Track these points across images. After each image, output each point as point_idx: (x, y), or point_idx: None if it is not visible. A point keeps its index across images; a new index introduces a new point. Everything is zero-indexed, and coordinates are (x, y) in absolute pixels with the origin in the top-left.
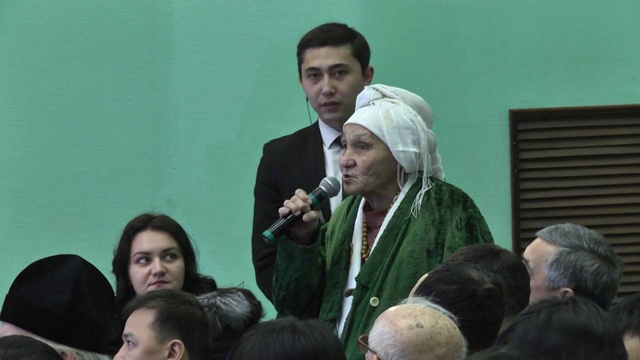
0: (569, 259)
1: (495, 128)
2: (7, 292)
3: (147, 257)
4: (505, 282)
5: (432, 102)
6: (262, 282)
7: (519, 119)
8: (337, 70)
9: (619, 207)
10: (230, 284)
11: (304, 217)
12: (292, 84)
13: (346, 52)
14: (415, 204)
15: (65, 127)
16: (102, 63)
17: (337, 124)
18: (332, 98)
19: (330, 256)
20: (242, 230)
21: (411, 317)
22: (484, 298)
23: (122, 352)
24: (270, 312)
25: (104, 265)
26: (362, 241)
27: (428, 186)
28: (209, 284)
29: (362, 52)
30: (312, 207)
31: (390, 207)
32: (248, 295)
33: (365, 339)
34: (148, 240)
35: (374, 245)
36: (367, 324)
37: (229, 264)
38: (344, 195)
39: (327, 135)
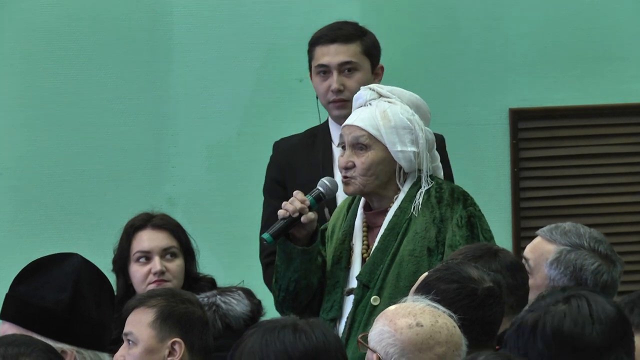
0: (569, 257)
1: (496, 127)
2: (7, 290)
3: (147, 256)
4: (505, 281)
5: (433, 100)
6: (268, 279)
7: (519, 117)
8: (346, 68)
9: (620, 205)
10: (231, 282)
11: (302, 218)
12: (292, 83)
13: (356, 49)
14: (416, 202)
15: (65, 125)
16: (102, 62)
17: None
18: (340, 95)
19: (330, 256)
20: (242, 229)
21: (411, 316)
22: (483, 297)
23: (122, 350)
24: (270, 310)
25: (104, 264)
26: (363, 241)
27: (428, 185)
28: (209, 283)
29: (372, 50)
30: (310, 208)
31: (390, 207)
32: (248, 294)
33: (365, 338)
34: (148, 239)
35: (375, 244)
36: (368, 323)
37: (229, 262)
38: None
39: (336, 134)
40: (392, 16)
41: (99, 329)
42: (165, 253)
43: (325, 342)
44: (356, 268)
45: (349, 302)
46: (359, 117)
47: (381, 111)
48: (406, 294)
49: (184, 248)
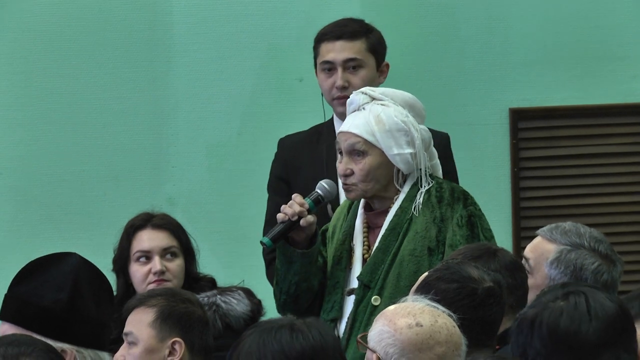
0: (569, 257)
1: (496, 127)
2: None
3: (147, 256)
4: (504, 281)
5: (432, 100)
6: (271, 276)
7: (519, 117)
8: (351, 65)
9: (620, 205)
10: (231, 282)
11: (301, 221)
12: (292, 83)
13: (361, 46)
14: (417, 202)
15: (65, 125)
16: (102, 61)
17: None
18: (345, 92)
19: (330, 256)
20: (242, 229)
21: (410, 316)
22: (483, 297)
23: (122, 350)
24: (271, 310)
25: (104, 264)
26: (363, 241)
27: (428, 184)
28: (209, 283)
29: (377, 48)
30: (309, 211)
31: (391, 207)
32: (248, 293)
33: (365, 338)
34: (148, 239)
35: (376, 244)
36: (369, 323)
37: (229, 262)
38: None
39: None
40: (392, 16)
41: (99, 328)
42: (165, 253)
43: (322, 342)
44: (357, 268)
45: (350, 302)
46: (353, 124)
47: (375, 115)
48: (407, 294)
49: (184, 248)
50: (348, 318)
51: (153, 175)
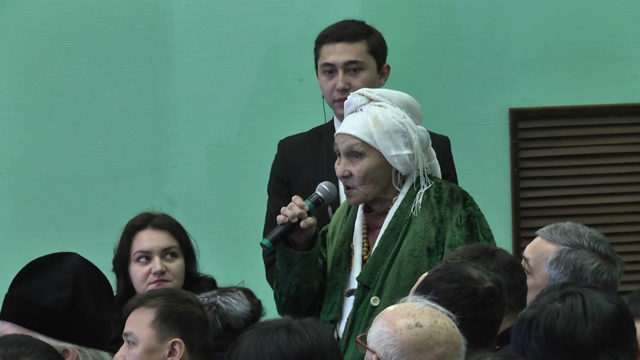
0: (569, 257)
1: (496, 127)
2: (7, 290)
3: (147, 256)
4: (504, 281)
5: (432, 100)
6: (270, 278)
7: (519, 117)
8: (352, 67)
9: (620, 205)
10: (231, 282)
11: (302, 223)
12: (292, 83)
13: (362, 48)
14: (416, 203)
15: (65, 125)
16: (102, 61)
17: None
18: (346, 94)
19: (330, 257)
20: (242, 229)
21: (410, 316)
22: (484, 297)
23: (123, 351)
24: (271, 310)
25: (105, 264)
26: (363, 242)
27: (427, 185)
28: (209, 283)
29: (378, 49)
30: (309, 213)
31: (390, 208)
32: (248, 294)
33: (364, 339)
34: (148, 239)
35: (375, 245)
36: (368, 324)
37: (229, 262)
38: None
39: None
40: (392, 16)
41: (99, 327)
42: (165, 253)
43: (319, 342)
44: (356, 269)
45: (349, 303)
46: (351, 125)
47: (373, 117)
48: (406, 294)
49: (184, 248)
50: (347, 319)
51: (153, 175)
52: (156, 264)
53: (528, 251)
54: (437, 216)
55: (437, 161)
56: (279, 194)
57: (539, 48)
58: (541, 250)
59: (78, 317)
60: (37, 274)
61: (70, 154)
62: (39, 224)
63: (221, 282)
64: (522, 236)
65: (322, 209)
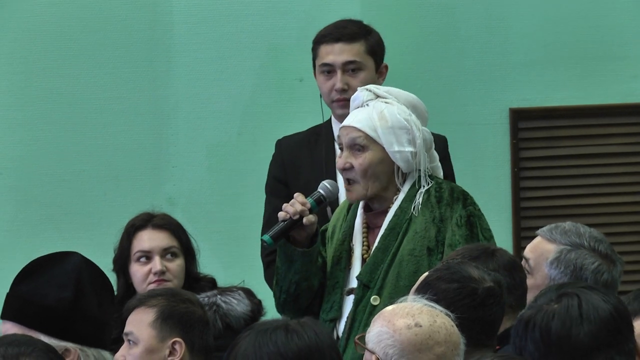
0: (569, 257)
1: (496, 126)
2: (7, 290)
3: (147, 256)
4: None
5: (433, 100)
6: (269, 278)
7: (519, 117)
8: (350, 67)
9: (620, 205)
10: (231, 282)
11: (304, 220)
12: (292, 83)
13: (360, 48)
14: (416, 202)
15: (65, 125)
16: (102, 61)
17: None
18: (344, 94)
19: (330, 256)
20: (242, 229)
21: (409, 316)
22: (484, 296)
23: (123, 350)
24: (271, 310)
25: (105, 264)
26: (363, 241)
27: (427, 184)
28: (210, 283)
29: (376, 49)
30: (311, 210)
31: (390, 207)
32: (248, 293)
33: (362, 339)
34: (148, 239)
35: (375, 244)
36: (368, 323)
37: (230, 262)
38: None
39: None
40: (392, 16)
41: (100, 327)
42: (165, 253)
43: (317, 341)
44: (356, 268)
45: (349, 302)
46: (356, 118)
47: (378, 112)
48: (406, 294)
49: (185, 248)
50: (347, 318)
51: (153, 175)
52: (156, 263)
53: (528, 251)
54: (437, 216)
55: (439, 164)
56: (276, 194)
57: (539, 48)
58: (541, 250)
59: (80, 316)
60: (39, 273)
61: (70, 154)
62: (39, 224)
63: (221, 282)
64: (522, 236)
65: (321, 208)
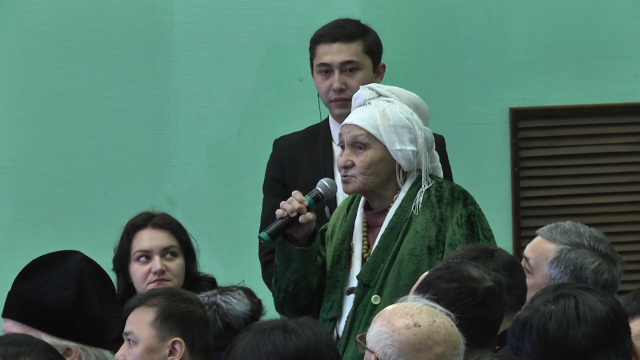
0: (569, 256)
1: (496, 126)
2: (8, 289)
3: (147, 255)
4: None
5: (433, 100)
6: (267, 278)
7: (519, 117)
8: (348, 67)
9: (620, 205)
10: (231, 282)
11: (300, 218)
12: (292, 83)
13: (357, 48)
14: (416, 201)
15: (65, 125)
16: (102, 61)
17: None
18: (342, 94)
19: (330, 256)
20: (242, 229)
21: (408, 316)
22: (484, 296)
23: (123, 350)
24: (270, 310)
25: (105, 263)
26: (363, 240)
27: (428, 184)
28: (210, 282)
29: (374, 49)
30: (309, 208)
31: (390, 206)
32: (248, 293)
33: (363, 338)
34: (148, 239)
35: (376, 243)
36: (368, 322)
37: (230, 262)
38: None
39: (337, 132)
40: (392, 16)
41: (101, 326)
42: (165, 252)
43: (316, 341)
44: (356, 268)
45: (349, 301)
46: (357, 117)
47: (380, 110)
48: (406, 293)
49: (185, 247)
50: (347, 317)
51: (153, 174)
52: (156, 263)
53: (528, 250)
54: (437, 215)
55: (440, 165)
56: (274, 193)
57: (539, 48)
58: (541, 249)
59: (81, 315)
60: (41, 272)
61: (71, 153)
62: (39, 224)
63: (221, 282)
64: (522, 236)
65: (319, 206)
